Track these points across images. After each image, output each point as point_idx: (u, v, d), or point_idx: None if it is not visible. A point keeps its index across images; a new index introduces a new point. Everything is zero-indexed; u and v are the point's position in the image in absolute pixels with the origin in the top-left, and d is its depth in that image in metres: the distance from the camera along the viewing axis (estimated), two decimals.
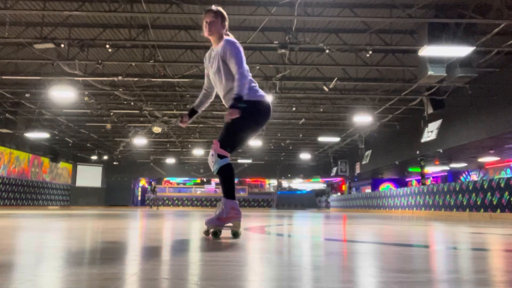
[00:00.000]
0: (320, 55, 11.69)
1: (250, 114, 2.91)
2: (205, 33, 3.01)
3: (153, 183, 27.21)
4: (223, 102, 3.11)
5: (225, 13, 3.06)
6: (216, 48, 3.05)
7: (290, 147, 25.97)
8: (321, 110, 16.78)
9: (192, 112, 3.26)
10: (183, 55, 11.94)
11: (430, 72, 9.51)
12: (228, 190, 2.91)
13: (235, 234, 2.97)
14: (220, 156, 2.87)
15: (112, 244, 2.48)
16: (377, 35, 10.53)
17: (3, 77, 12.69)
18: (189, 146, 25.42)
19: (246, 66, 2.94)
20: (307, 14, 9.12)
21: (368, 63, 11.65)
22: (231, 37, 3.05)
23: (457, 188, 12.45)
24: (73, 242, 2.59)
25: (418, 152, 18.46)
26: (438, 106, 13.18)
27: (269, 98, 3.12)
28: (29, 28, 10.53)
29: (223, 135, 2.92)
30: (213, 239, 2.86)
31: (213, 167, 2.90)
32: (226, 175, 2.89)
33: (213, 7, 3.03)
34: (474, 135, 14.30)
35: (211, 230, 2.97)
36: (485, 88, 13.02)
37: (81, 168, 29.83)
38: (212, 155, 2.88)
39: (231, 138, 2.92)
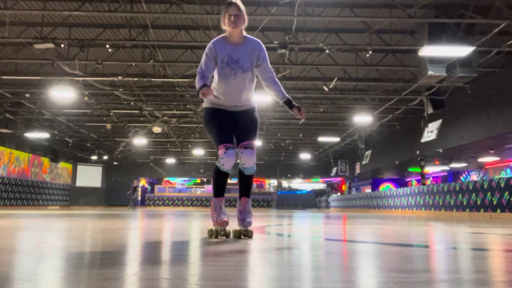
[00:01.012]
0: (320, 55, 11.69)
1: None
2: (229, 26, 2.85)
3: (135, 181, 25.76)
4: (229, 101, 2.96)
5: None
6: (237, 44, 2.92)
7: (290, 147, 25.96)
8: (321, 110, 16.78)
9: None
10: (183, 55, 11.94)
11: (430, 72, 9.50)
12: (250, 190, 3.05)
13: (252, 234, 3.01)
14: None
15: (112, 244, 2.48)
16: (377, 35, 10.53)
17: (3, 77, 12.69)
18: (189, 146, 25.41)
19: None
20: (307, 14, 9.12)
21: (368, 63, 11.65)
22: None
23: (457, 188, 12.45)
24: (73, 242, 2.59)
25: (418, 152, 18.46)
26: (438, 106, 13.18)
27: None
28: (29, 28, 10.52)
29: (255, 137, 3.02)
30: (234, 239, 2.86)
31: (253, 169, 2.96)
32: (254, 176, 3.05)
33: (235, 1, 2.88)
34: (474, 135, 14.30)
35: (249, 230, 2.93)
36: (485, 88, 13.01)
37: (81, 168, 29.81)
38: (254, 156, 2.94)
39: None
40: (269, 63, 3.02)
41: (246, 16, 2.92)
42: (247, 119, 3.01)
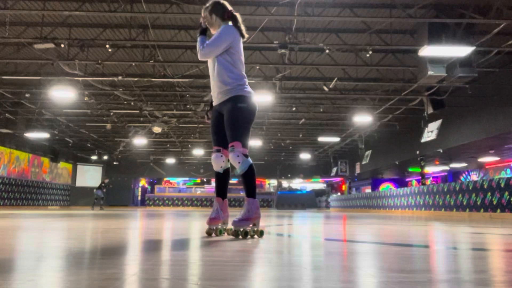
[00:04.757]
0: (320, 55, 11.69)
1: (249, 108, 2.97)
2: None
3: (106, 180, 22.34)
4: (212, 92, 3.09)
5: (216, 4, 3.08)
6: None
7: (290, 147, 25.95)
8: (321, 110, 16.78)
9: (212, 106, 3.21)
10: (183, 55, 11.94)
11: (430, 72, 9.51)
12: (254, 190, 2.98)
13: (262, 233, 3.01)
14: (245, 156, 2.91)
15: (112, 244, 2.48)
16: (377, 35, 10.53)
17: (3, 77, 12.69)
18: (189, 146, 25.41)
19: (215, 49, 2.93)
20: (307, 14, 9.12)
21: (368, 63, 11.65)
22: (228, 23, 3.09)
23: (457, 188, 12.45)
24: (73, 242, 2.59)
25: (418, 152, 18.46)
26: (438, 106, 13.18)
27: (254, 97, 3.09)
28: (29, 28, 10.52)
29: (240, 134, 2.90)
30: (242, 238, 2.88)
31: (240, 168, 2.90)
32: (252, 174, 2.95)
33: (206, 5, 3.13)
34: (474, 135, 14.30)
35: (241, 230, 2.92)
36: (485, 88, 13.01)
37: (81, 168, 29.80)
38: (238, 155, 2.87)
39: (246, 136, 2.95)
40: (217, 38, 2.93)
41: (211, 15, 3.05)
42: (227, 114, 2.96)
